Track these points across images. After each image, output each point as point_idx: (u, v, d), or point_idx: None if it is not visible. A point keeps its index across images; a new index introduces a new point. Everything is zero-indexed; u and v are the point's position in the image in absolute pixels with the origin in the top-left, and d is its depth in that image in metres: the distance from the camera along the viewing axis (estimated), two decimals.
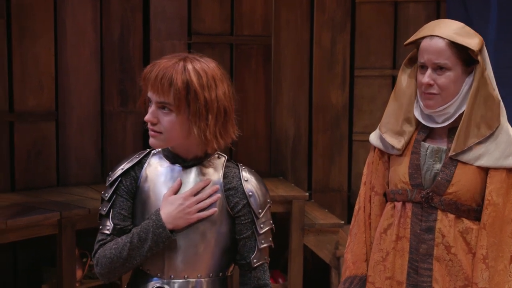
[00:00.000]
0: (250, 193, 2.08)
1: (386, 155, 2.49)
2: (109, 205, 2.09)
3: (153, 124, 2.03)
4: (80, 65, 4.64)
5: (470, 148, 2.35)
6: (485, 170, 2.36)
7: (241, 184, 2.09)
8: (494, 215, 2.33)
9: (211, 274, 2.08)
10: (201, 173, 2.08)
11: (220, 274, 2.10)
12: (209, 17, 4.90)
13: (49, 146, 4.59)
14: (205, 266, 2.07)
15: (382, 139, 2.48)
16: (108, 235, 2.08)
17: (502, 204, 2.34)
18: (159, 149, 2.15)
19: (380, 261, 2.44)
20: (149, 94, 2.04)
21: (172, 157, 2.11)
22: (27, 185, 4.51)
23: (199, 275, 2.07)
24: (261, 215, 2.09)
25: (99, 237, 2.10)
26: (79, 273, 4.26)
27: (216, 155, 2.13)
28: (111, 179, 2.12)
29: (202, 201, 2.05)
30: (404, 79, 2.46)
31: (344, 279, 2.51)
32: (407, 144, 2.43)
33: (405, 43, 2.47)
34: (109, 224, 2.08)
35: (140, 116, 4.70)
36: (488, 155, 2.35)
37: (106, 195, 2.11)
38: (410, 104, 2.43)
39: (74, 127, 4.66)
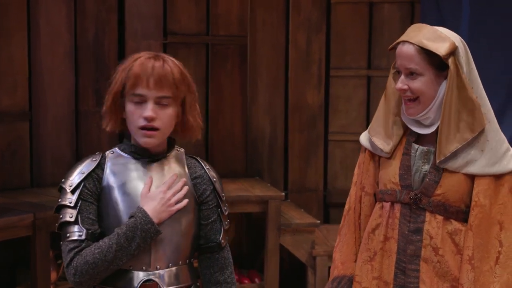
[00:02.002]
0: (214, 179, 2.22)
1: (377, 156, 2.49)
2: (76, 211, 2.08)
3: (152, 120, 2.06)
4: (54, 65, 4.61)
5: (456, 155, 2.34)
6: (472, 176, 2.35)
7: (205, 172, 2.21)
8: (480, 216, 2.33)
9: (187, 261, 2.17)
10: (168, 165, 2.17)
11: (192, 259, 2.19)
12: (185, 17, 4.89)
13: (24, 146, 4.55)
14: (183, 253, 2.15)
15: (371, 142, 2.48)
16: (81, 241, 2.06)
17: (489, 206, 2.33)
18: (115, 148, 2.18)
19: (368, 260, 2.44)
20: (143, 91, 2.07)
21: (141, 152, 2.14)
22: (2, 185, 4.46)
23: (180, 262, 2.14)
24: (224, 198, 2.23)
25: (71, 245, 2.06)
26: (53, 275, 4.22)
27: (176, 148, 2.21)
28: (72, 185, 2.10)
29: (176, 193, 2.13)
30: (392, 82, 2.45)
31: (332, 279, 2.50)
32: (396, 146, 2.43)
33: (389, 47, 2.46)
34: (80, 230, 2.06)
35: None
36: (474, 162, 2.34)
37: (70, 201, 2.09)
38: (397, 107, 2.44)
39: (49, 127, 4.62)
